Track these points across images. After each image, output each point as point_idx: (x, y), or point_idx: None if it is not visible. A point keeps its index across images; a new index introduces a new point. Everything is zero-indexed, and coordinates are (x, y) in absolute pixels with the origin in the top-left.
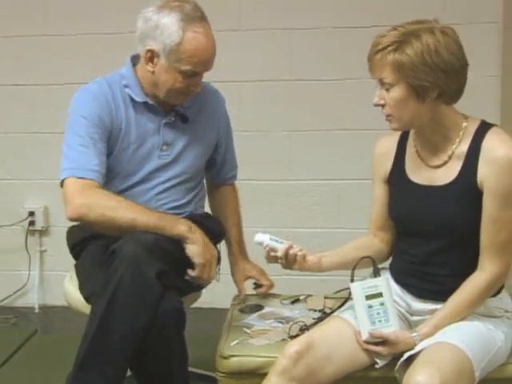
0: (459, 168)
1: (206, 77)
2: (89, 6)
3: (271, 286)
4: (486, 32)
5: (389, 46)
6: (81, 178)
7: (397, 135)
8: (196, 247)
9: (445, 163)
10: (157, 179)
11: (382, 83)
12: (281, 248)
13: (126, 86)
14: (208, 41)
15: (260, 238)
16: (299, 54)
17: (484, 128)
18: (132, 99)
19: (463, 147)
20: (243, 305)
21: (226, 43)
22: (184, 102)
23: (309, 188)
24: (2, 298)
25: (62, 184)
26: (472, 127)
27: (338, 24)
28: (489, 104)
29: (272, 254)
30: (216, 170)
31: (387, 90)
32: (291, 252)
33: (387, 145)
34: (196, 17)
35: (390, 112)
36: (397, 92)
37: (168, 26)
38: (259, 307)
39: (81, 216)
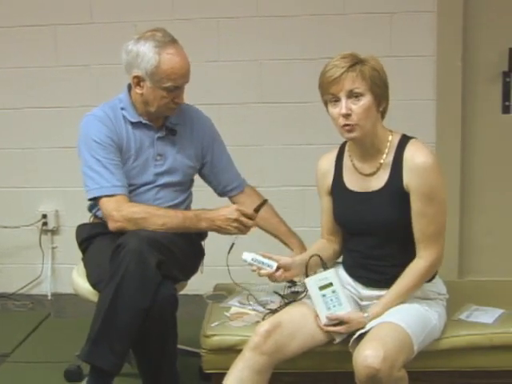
0: (387, 175)
1: (191, 99)
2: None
3: None
4: (424, 64)
5: (356, 63)
6: (111, 195)
7: (334, 153)
8: (221, 227)
9: (376, 171)
10: (154, 183)
11: (350, 95)
12: (270, 271)
13: (122, 109)
14: (181, 58)
15: (245, 257)
16: (268, 81)
17: (405, 140)
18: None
19: (389, 157)
20: (211, 293)
21: (207, 72)
22: (173, 114)
23: (279, 193)
24: (20, 287)
25: (92, 200)
26: (395, 140)
27: (300, 56)
28: (427, 122)
29: (263, 272)
30: (214, 184)
31: (356, 98)
32: (277, 274)
33: (327, 163)
34: (167, 41)
35: (357, 121)
36: (365, 100)
37: (146, 53)
38: (222, 296)
39: (121, 229)
